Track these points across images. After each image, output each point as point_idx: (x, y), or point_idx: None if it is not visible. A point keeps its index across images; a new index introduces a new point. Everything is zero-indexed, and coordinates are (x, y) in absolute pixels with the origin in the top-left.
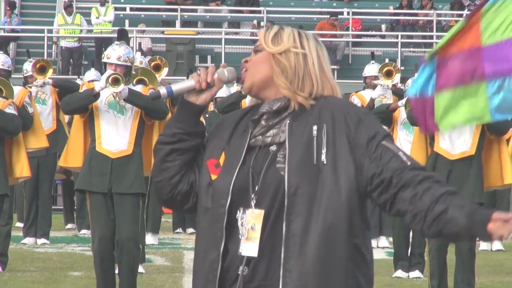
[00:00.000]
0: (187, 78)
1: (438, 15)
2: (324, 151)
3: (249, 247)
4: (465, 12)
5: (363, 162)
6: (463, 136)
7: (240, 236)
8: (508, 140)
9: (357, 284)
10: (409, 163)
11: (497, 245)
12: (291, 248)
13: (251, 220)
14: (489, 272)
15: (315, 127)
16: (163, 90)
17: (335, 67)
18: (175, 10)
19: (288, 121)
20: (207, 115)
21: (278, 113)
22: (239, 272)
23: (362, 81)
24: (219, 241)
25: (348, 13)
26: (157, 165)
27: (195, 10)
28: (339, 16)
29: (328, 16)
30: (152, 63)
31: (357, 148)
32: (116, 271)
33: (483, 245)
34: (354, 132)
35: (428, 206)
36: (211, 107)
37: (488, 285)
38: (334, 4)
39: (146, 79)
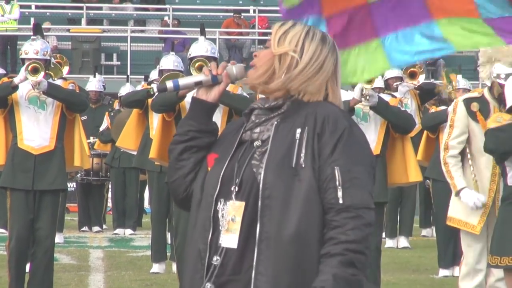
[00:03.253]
0: (94, 76)
1: None
2: (303, 154)
3: (229, 239)
4: None
5: (319, 173)
6: (368, 135)
7: (220, 228)
8: (420, 138)
9: None
10: (340, 201)
11: (403, 242)
12: (264, 251)
13: (231, 212)
14: (395, 270)
15: (298, 130)
16: (169, 84)
17: (241, 65)
18: (81, 8)
19: (276, 122)
20: (112, 114)
21: (270, 111)
22: (213, 262)
23: None
24: (207, 230)
25: (254, 11)
26: (171, 164)
27: (101, 8)
28: (245, 14)
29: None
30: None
31: (320, 157)
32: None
33: (389, 243)
34: (325, 139)
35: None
36: (116, 105)
37: (394, 283)
38: (240, 2)
39: (51, 73)
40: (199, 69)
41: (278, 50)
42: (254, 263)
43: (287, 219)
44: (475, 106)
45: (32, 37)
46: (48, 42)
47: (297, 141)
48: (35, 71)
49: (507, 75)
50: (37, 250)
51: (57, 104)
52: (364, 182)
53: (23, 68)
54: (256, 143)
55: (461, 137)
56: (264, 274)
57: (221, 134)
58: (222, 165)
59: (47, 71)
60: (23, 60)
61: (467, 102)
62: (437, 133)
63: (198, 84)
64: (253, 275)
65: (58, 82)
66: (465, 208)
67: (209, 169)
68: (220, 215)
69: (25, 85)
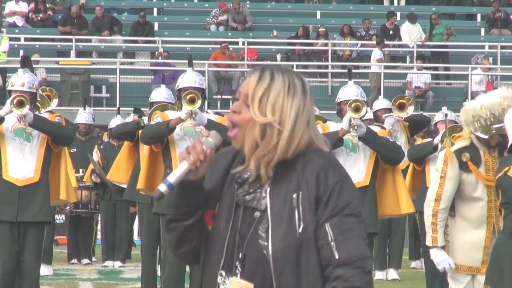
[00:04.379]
0: (84, 108)
1: (333, 44)
2: (302, 224)
3: None
4: (360, 42)
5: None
6: (357, 166)
7: None
8: (406, 170)
9: None
10: (336, 257)
11: (392, 274)
12: None
13: None
14: None
15: (294, 196)
16: (163, 187)
17: (230, 97)
18: (70, 40)
19: (269, 189)
20: (101, 146)
21: (259, 177)
22: None
23: None
24: None
25: (243, 43)
26: (175, 240)
27: (90, 40)
28: (234, 46)
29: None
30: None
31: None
32: None
33: (378, 275)
34: (321, 194)
35: None
36: (105, 137)
37: None
38: (229, 34)
39: (39, 106)
40: (191, 101)
41: (261, 120)
42: None
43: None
44: (466, 157)
45: (19, 69)
46: (36, 74)
47: (296, 209)
48: (20, 104)
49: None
50: (23, 283)
51: (42, 136)
52: (356, 232)
53: (8, 101)
54: (256, 214)
55: (454, 190)
56: None
57: (206, 180)
58: (225, 232)
59: (34, 104)
60: (9, 92)
61: (458, 154)
62: (423, 165)
63: (188, 173)
64: None
65: (45, 115)
66: (469, 252)
67: (209, 228)
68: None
69: (11, 117)
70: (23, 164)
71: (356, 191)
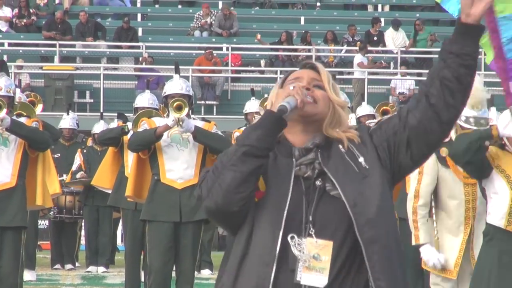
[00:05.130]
0: (67, 113)
1: (317, 50)
2: (362, 158)
3: (312, 278)
4: (344, 47)
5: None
6: None
7: (297, 263)
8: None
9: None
10: (395, 113)
11: None
12: (375, 263)
13: (312, 250)
14: None
15: (340, 146)
16: (285, 103)
17: (215, 102)
18: (54, 45)
19: (320, 152)
20: (85, 151)
21: (317, 148)
22: None
23: (243, 117)
24: (269, 265)
25: (227, 49)
26: (244, 177)
27: (74, 46)
28: (218, 52)
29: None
30: (27, 100)
31: (378, 147)
32: None
33: None
34: (368, 139)
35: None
36: (89, 142)
37: None
38: (213, 40)
39: (23, 113)
40: (178, 108)
41: (338, 101)
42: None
43: (378, 221)
44: (444, 151)
45: None
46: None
47: (345, 154)
48: None
49: (467, 117)
50: None
51: (19, 141)
52: None
53: None
54: (318, 182)
55: (432, 184)
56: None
57: None
58: (285, 200)
59: (11, 108)
60: None
61: None
62: None
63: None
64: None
65: (22, 119)
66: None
67: (256, 200)
68: (295, 251)
69: None
70: None
71: None
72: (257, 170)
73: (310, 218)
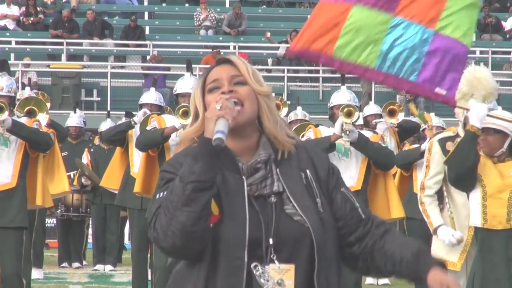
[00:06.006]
0: (74, 111)
1: None
2: (318, 199)
3: None
4: None
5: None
6: (349, 171)
7: None
8: (394, 175)
9: None
10: (363, 216)
11: (383, 279)
12: None
13: (276, 276)
14: None
15: (302, 174)
16: (218, 135)
17: None
18: (61, 44)
19: (278, 169)
20: (92, 150)
21: (267, 162)
22: None
23: None
24: None
25: (234, 47)
26: (197, 213)
27: (81, 44)
28: (225, 50)
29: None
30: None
31: (327, 193)
32: None
33: (369, 279)
34: (325, 177)
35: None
36: (96, 141)
37: None
38: (221, 38)
39: (36, 109)
40: (184, 114)
41: (264, 90)
42: None
43: (332, 264)
44: (450, 146)
45: None
46: (31, 78)
47: (305, 186)
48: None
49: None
50: (5, 287)
51: (20, 141)
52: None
53: None
54: (272, 199)
55: (437, 177)
56: None
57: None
58: (243, 223)
59: (12, 108)
60: None
61: (442, 142)
62: (411, 171)
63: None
64: None
65: (23, 119)
66: (446, 246)
67: (211, 225)
68: (259, 278)
69: None
70: (0, 170)
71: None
72: (209, 202)
73: (271, 241)
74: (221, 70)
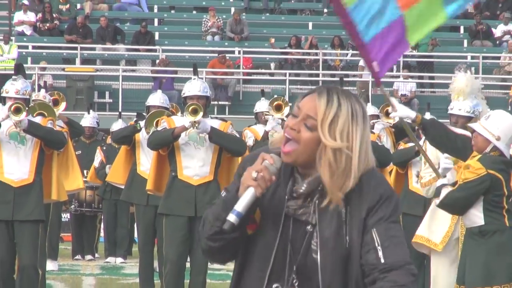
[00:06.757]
0: (88, 112)
1: (324, 54)
2: (347, 237)
3: None
4: (350, 52)
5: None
6: None
7: None
8: (390, 173)
9: None
10: (382, 261)
11: None
12: None
13: None
14: None
15: (343, 210)
16: (232, 218)
17: (227, 103)
18: (75, 48)
19: (317, 202)
20: (104, 148)
21: (311, 193)
22: None
23: (253, 117)
24: None
25: (239, 52)
26: (218, 249)
27: (94, 49)
28: (230, 55)
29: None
30: (51, 98)
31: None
32: None
33: None
34: (365, 215)
35: None
36: (108, 140)
37: None
38: (226, 44)
39: (45, 113)
40: (193, 112)
41: (333, 144)
42: None
43: None
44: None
45: (13, 76)
46: (46, 81)
47: (344, 222)
48: (17, 111)
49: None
50: (22, 279)
51: (36, 140)
52: (400, 239)
53: (5, 108)
54: (308, 228)
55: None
56: None
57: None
58: (273, 241)
59: (27, 109)
60: (4, 98)
61: None
62: (406, 169)
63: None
64: None
65: (38, 119)
66: (431, 227)
67: (249, 232)
68: None
69: (6, 121)
70: (17, 166)
71: (397, 199)
72: (233, 240)
73: (294, 268)
74: (309, 102)
